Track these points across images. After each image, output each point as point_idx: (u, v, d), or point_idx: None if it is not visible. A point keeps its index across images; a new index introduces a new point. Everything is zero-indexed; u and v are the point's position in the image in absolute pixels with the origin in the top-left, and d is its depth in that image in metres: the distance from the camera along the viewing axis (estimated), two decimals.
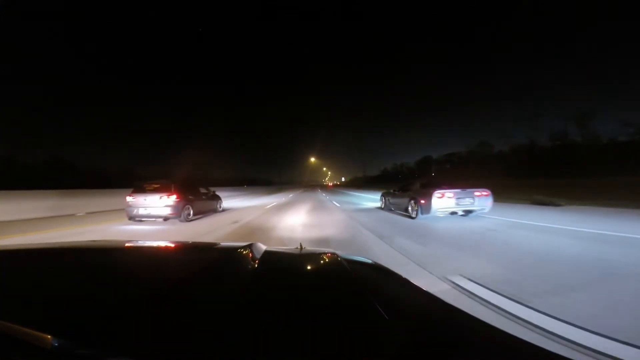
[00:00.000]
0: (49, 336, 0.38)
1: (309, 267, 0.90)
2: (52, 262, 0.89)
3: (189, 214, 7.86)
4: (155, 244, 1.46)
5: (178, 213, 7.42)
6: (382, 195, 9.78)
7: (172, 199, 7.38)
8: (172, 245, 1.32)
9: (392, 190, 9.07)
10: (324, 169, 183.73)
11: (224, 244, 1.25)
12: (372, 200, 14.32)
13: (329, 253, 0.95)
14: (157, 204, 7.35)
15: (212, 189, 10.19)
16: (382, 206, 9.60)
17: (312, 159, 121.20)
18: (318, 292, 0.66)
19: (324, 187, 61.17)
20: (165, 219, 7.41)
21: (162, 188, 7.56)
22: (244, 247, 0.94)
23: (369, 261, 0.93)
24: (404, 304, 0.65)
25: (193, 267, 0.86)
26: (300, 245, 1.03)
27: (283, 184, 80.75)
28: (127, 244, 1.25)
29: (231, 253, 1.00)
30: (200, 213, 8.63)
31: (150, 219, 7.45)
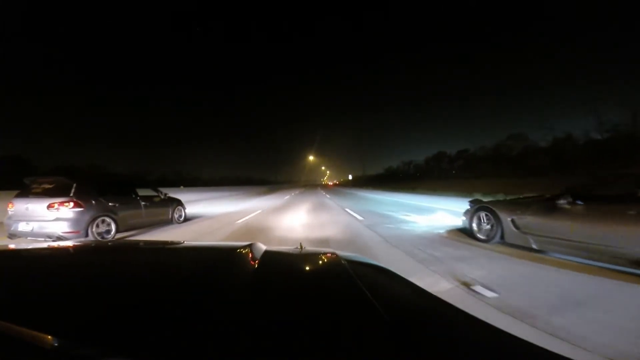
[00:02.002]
0: (49, 336, 0.38)
1: (309, 267, 0.90)
2: (52, 262, 0.90)
3: (108, 232, 4.95)
4: (155, 244, 1.47)
5: (80, 230, 4.52)
6: (489, 210, 4.12)
7: (69, 208, 4.45)
8: (172, 245, 1.34)
9: (549, 198, 3.46)
10: (322, 167, 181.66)
11: (224, 243, 1.34)
12: (405, 207, 10.21)
13: (329, 253, 0.96)
14: (46, 215, 4.42)
15: (163, 190, 7.25)
16: (483, 234, 4.17)
17: (311, 158, 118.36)
18: (318, 292, 0.67)
19: (324, 187, 58.76)
20: (59, 239, 4.47)
21: (55, 191, 4.64)
22: (244, 247, 0.94)
23: (370, 261, 0.95)
24: (404, 304, 0.67)
25: (193, 267, 0.86)
26: (301, 245, 1.04)
27: (280, 183, 78.23)
28: (127, 244, 1.40)
29: (231, 253, 0.99)
30: (134, 228, 5.70)
31: (38, 238, 4.53)
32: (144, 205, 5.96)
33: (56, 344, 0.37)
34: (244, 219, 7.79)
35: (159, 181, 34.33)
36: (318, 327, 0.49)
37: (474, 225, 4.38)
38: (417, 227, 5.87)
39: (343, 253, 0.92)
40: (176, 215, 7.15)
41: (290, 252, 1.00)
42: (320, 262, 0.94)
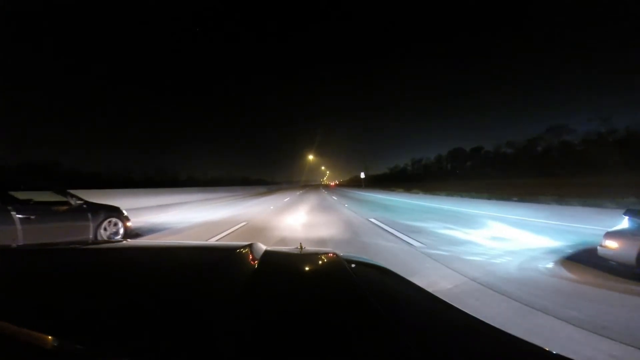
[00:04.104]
0: (49, 336, 0.39)
1: (309, 267, 0.90)
2: (52, 262, 0.90)
3: None
4: (155, 244, 1.49)
5: None
6: None
7: None
8: (172, 245, 1.35)
9: None
10: (322, 167, 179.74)
11: (223, 243, 1.28)
12: (445, 216, 7.88)
13: (329, 253, 0.96)
14: None
15: (105, 198, 4.67)
16: None
17: (310, 157, 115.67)
18: (318, 292, 0.67)
19: (325, 187, 56.35)
20: None
21: None
22: (244, 247, 0.94)
23: (370, 261, 0.95)
24: (404, 304, 0.66)
25: (193, 267, 0.86)
26: (301, 245, 1.03)
27: (279, 184, 75.99)
28: (127, 244, 1.33)
29: (231, 253, 0.97)
30: None
31: None
32: (21, 218, 3.39)
33: (56, 344, 0.38)
34: (223, 235, 5.24)
35: (145, 182, 31.82)
36: (318, 326, 0.49)
37: None
38: (490, 254, 3.56)
39: (343, 253, 0.93)
40: (106, 232, 4.58)
41: (291, 252, 1.00)
42: (321, 262, 0.94)
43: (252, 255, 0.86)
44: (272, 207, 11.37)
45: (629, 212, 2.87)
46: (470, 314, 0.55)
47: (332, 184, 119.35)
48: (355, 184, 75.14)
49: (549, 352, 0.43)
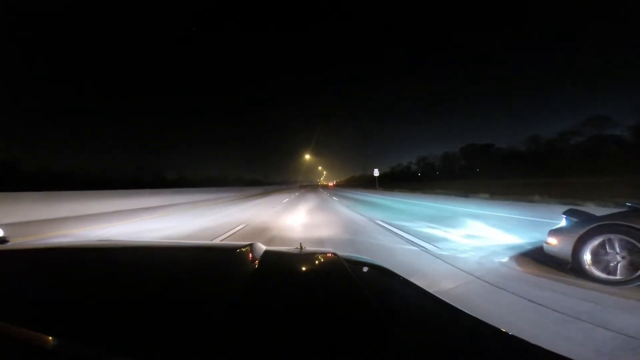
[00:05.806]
0: (49, 336, 0.39)
1: (309, 267, 0.90)
2: (52, 262, 0.90)
3: None
4: (155, 244, 1.48)
5: None
6: (631, 233, 2.27)
7: None
8: (172, 245, 1.36)
9: None
10: (319, 168, 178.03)
11: (223, 243, 1.27)
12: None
13: (329, 253, 0.96)
14: None
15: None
16: (614, 272, 2.36)
17: (307, 157, 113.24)
18: (318, 293, 0.67)
19: (324, 187, 54.09)
20: None
21: None
22: (244, 247, 0.95)
23: (370, 261, 0.95)
24: (404, 304, 0.66)
25: (193, 267, 0.87)
26: (300, 245, 1.03)
27: (278, 184, 73.66)
28: (127, 244, 1.30)
29: (231, 253, 0.99)
30: None
31: None
32: None
33: (56, 344, 0.38)
34: None
35: (125, 183, 28.89)
36: (318, 326, 0.49)
37: (586, 257, 2.54)
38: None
39: (343, 253, 0.93)
40: None
41: (290, 252, 0.99)
42: (321, 262, 0.94)
43: (252, 255, 0.86)
44: (270, 210, 8.65)
45: (567, 212, 3.00)
46: (471, 313, 0.55)
47: (331, 184, 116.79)
48: (357, 184, 72.18)
49: (549, 352, 0.44)
